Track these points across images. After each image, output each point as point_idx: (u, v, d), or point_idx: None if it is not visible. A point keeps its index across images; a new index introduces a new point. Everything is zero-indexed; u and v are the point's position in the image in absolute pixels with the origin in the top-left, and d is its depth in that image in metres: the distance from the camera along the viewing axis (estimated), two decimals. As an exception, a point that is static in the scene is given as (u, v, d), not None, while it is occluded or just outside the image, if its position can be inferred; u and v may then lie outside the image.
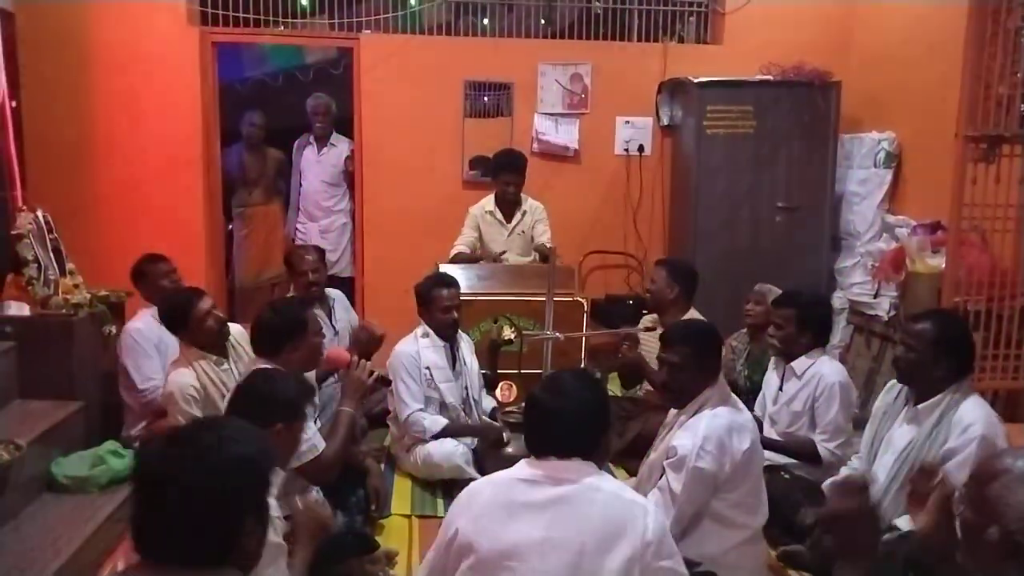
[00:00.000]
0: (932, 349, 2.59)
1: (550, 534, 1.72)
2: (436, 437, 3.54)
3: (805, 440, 3.18)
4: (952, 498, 1.60)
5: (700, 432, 2.39)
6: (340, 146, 5.52)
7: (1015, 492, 1.35)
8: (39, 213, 3.72)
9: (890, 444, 2.71)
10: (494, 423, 3.68)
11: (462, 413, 3.70)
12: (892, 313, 4.40)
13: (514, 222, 4.69)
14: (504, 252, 4.64)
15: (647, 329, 3.95)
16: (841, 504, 1.62)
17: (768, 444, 3.06)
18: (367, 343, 3.76)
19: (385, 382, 3.95)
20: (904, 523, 2.49)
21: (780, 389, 3.33)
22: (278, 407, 2.11)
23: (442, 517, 3.17)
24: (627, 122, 5.39)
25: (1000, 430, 2.58)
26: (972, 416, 2.54)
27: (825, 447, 3.13)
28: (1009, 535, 1.32)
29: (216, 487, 1.26)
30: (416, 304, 3.75)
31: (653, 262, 4.04)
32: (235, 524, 1.28)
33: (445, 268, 4.25)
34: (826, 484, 1.64)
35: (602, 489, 1.77)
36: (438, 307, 3.67)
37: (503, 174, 4.62)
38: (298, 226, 5.59)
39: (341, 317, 4.21)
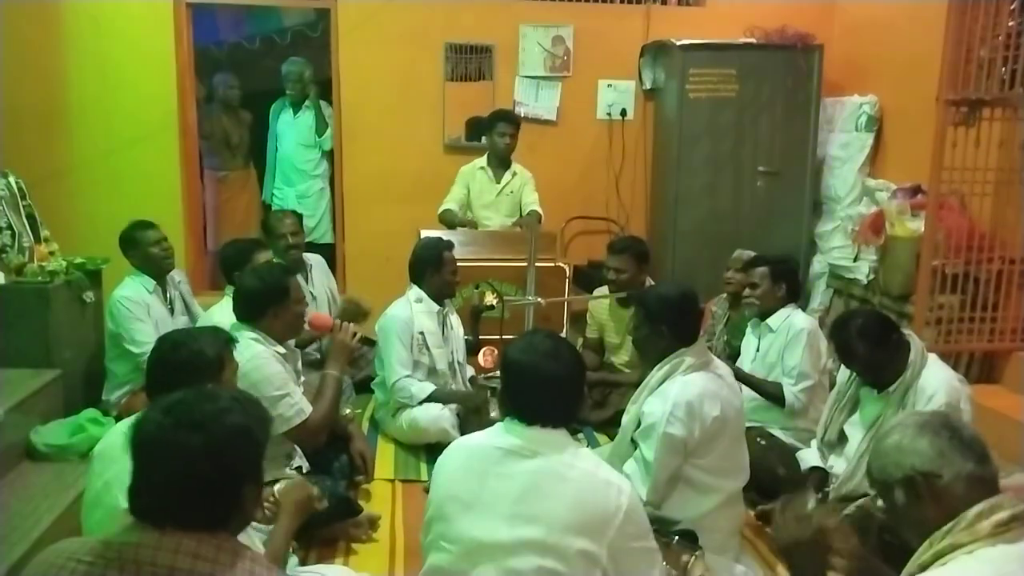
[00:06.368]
0: (867, 360, 2.64)
1: (519, 509, 1.69)
2: (422, 403, 3.55)
3: (775, 382, 3.27)
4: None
5: (670, 398, 2.40)
6: (315, 107, 5.44)
7: (882, 452, 1.48)
8: (11, 179, 3.66)
9: (856, 425, 2.79)
10: (478, 391, 3.68)
11: (449, 379, 3.71)
12: (871, 277, 4.44)
13: (503, 182, 4.70)
14: (485, 218, 4.64)
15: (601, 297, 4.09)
16: (794, 532, 1.67)
17: (741, 376, 3.13)
18: (352, 317, 3.75)
19: (368, 342, 3.94)
20: None
21: (758, 349, 3.39)
22: (205, 368, 1.99)
23: (425, 481, 3.24)
24: (609, 85, 5.34)
25: (963, 392, 2.65)
26: (934, 384, 2.60)
27: (790, 390, 3.20)
28: (907, 482, 1.43)
29: (214, 458, 1.27)
30: (414, 268, 3.69)
31: (611, 246, 4.01)
32: (233, 492, 1.31)
33: (426, 233, 4.22)
34: (777, 510, 1.70)
35: (576, 467, 1.73)
36: (449, 270, 3.68)
37: (499, 124, 4.64)
38: (275, 191, 5.53)
39: (319, 282, 4.18)
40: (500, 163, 4.70)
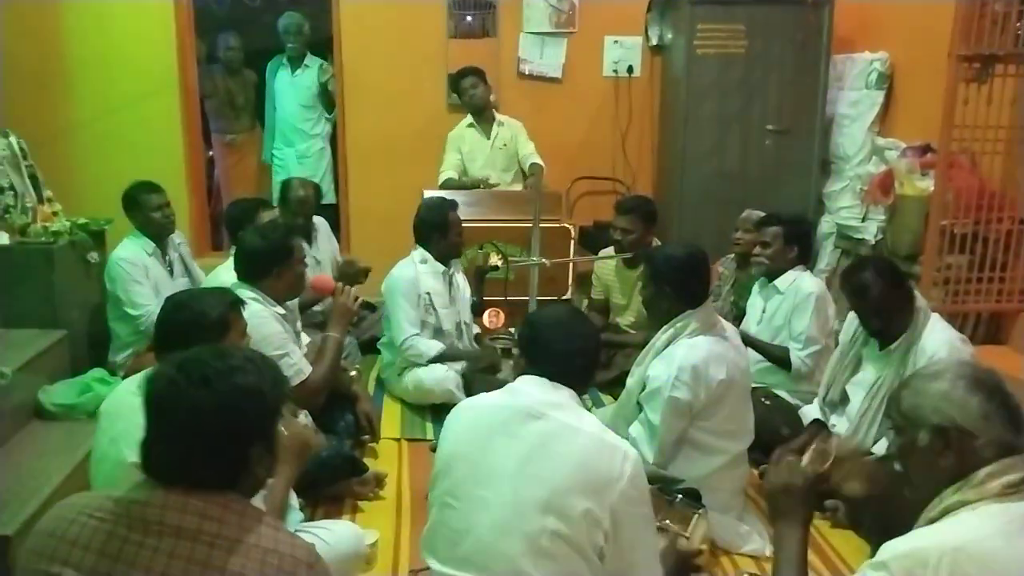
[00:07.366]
0: (880, 301, 2.63)
1: (525, 469, 1.70)
2: (432, 361, 3.56)
3: (782, 346, 3.26)
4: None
5: (675, 362, 2.40)
6: (315, 67, 5.37)
7: (924, 392, 1.45)
8: (13, 139, 3.63)
9: (858, 385, 2.79)
10: (489, 349, 3.68)
11: (455, 340, 3.71)
12: (879, 237, 4.41)
13: (493, 135, 4.68)
14: (487, 177, 4.60)
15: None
16: (785, 477, 1.68)
17: (748, 340, 3.13)
18: (353, 276, 3.74)
19: (369, 307, 3.94)
20: (881, 448, 2.59)
21: (764, 311, 3.37)
22: (208, 330, 1.97)
23: (431, 440, 3.27)
24: (616, 42, 5.25)
25: (965, 352, 2.65)
26: (936, 343, 2.60)
27: (797, 355, 3.19)
28: (940, 430, 1.40)
29: (223, 416, 1.26)
30: (419, 231, 3.67)
31: (618, 206, 3.99)
32: (242, 453, 1.29)
33: (429, 195, 4.19)
34: (771, 460, 1.74)
35: (582, 431, 1.73)
36: (455, 231, 3.66)
37: (463, 82, 4.64)
38: (275, 151, 5.47)
39: (324, 247, 4.17)
40: (483, 117, 4.67)
